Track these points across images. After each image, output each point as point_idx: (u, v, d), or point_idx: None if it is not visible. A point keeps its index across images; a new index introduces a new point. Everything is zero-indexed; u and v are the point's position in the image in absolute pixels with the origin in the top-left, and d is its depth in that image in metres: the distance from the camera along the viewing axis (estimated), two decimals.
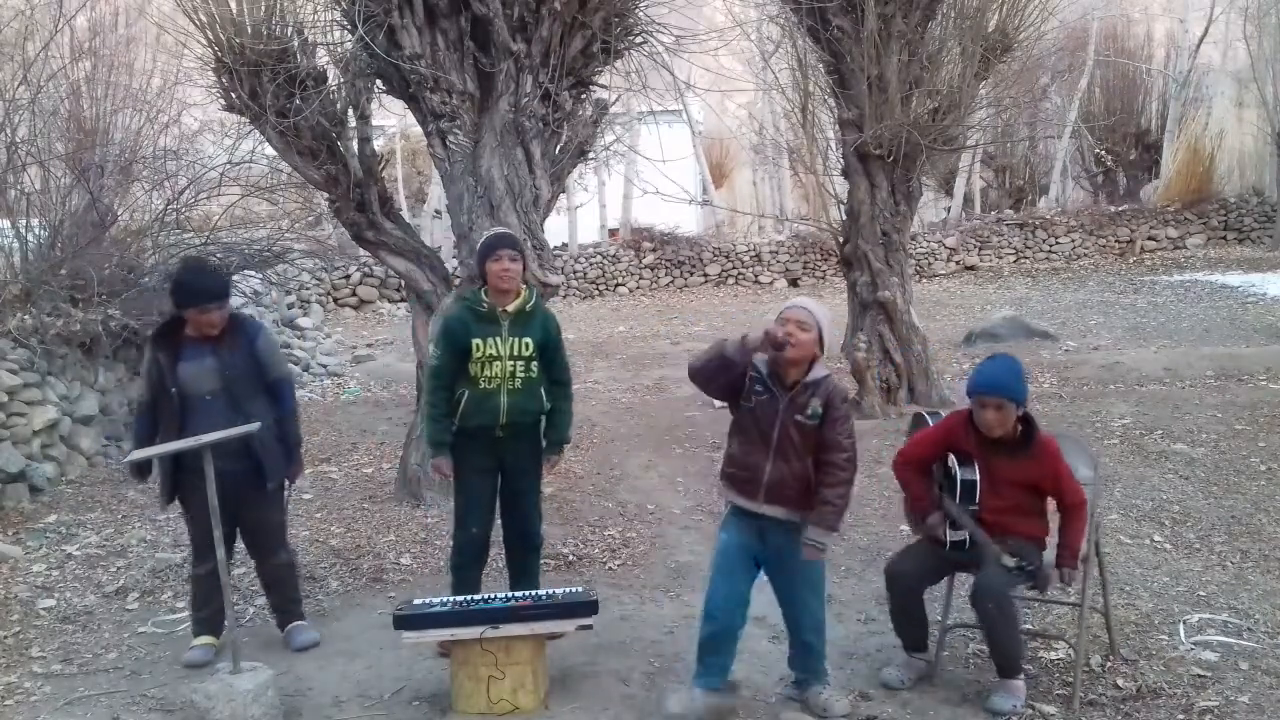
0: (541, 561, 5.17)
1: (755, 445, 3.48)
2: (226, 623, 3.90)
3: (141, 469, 4.14)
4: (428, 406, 4.19)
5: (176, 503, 4.17)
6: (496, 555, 5.17)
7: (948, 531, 3.67)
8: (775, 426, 3.43)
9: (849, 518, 5.77)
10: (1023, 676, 3.65)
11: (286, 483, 4.28)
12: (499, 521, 4.30)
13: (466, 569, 4.21)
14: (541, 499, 4.40)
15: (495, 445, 4.09)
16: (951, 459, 3.66)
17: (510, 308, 4.04)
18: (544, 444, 4.25)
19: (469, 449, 4.10)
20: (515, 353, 4.02)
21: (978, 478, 3.61)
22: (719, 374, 3.45)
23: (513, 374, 4.01)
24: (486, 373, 4.00)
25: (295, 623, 4.32)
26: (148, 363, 4.12)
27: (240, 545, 4.36)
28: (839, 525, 3.50)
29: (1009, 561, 3.48)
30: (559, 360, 4.20)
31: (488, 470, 4.13)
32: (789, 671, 3.78)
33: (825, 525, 3.43)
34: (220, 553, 3.69)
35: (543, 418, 4.19)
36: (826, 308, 3.65)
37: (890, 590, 3.81)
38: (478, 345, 3.99)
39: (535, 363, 4.07)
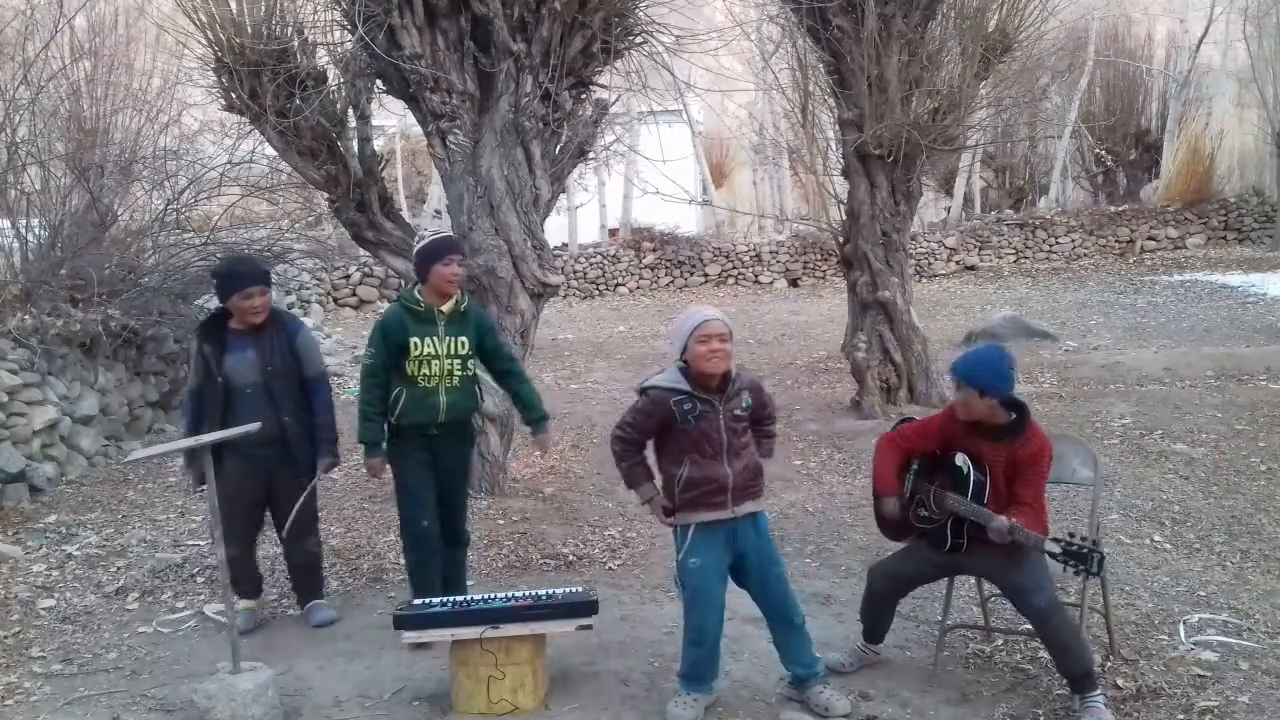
0: (543, 560, 5.22)
1: (710, 458, 3.52)
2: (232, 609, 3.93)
3: (199, 474, 4.15)
4: (363, 405, 4.19)
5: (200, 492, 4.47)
6: (494, 556, 5.19)
7: (949, 535, 3.64)
8: (722, 431, 3.52)
9: (848, 518, 5.82)
10: (1102, 694, 3.52)
11: (320, 474, 4.44)
12: None
13: (425, 566, 4.21)
14: (469, 498, 4.62)
15: (430, 442, 4.17)
16: (963, 459, 3.62)
17: (446, 308, 4.12)
18: (529, 428, 4.40)
19: (407, 444, 4.18)
20: (452, 352, 4.12)
21: (987, 479, 3.57)
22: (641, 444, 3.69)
23: (450, 372, 4.12)
24: (424, 371, 4.08)
25: (315, 600, 4.48)
26: (194, 354, 4.30)
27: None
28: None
29: (1053, 547, 3.33)
30: (501, 351, 4.36)
31: (427, 464, 4.19)
32: (788, 671, 3.77)
33: (767, 454, 3.75)
34: (224, 547, 3.75)
35: (475, 416, 4.39)
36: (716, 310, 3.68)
37: (868, 588, 3.94)
38: (415, 344, 4.06)
39: (471, 361, 4.19)
